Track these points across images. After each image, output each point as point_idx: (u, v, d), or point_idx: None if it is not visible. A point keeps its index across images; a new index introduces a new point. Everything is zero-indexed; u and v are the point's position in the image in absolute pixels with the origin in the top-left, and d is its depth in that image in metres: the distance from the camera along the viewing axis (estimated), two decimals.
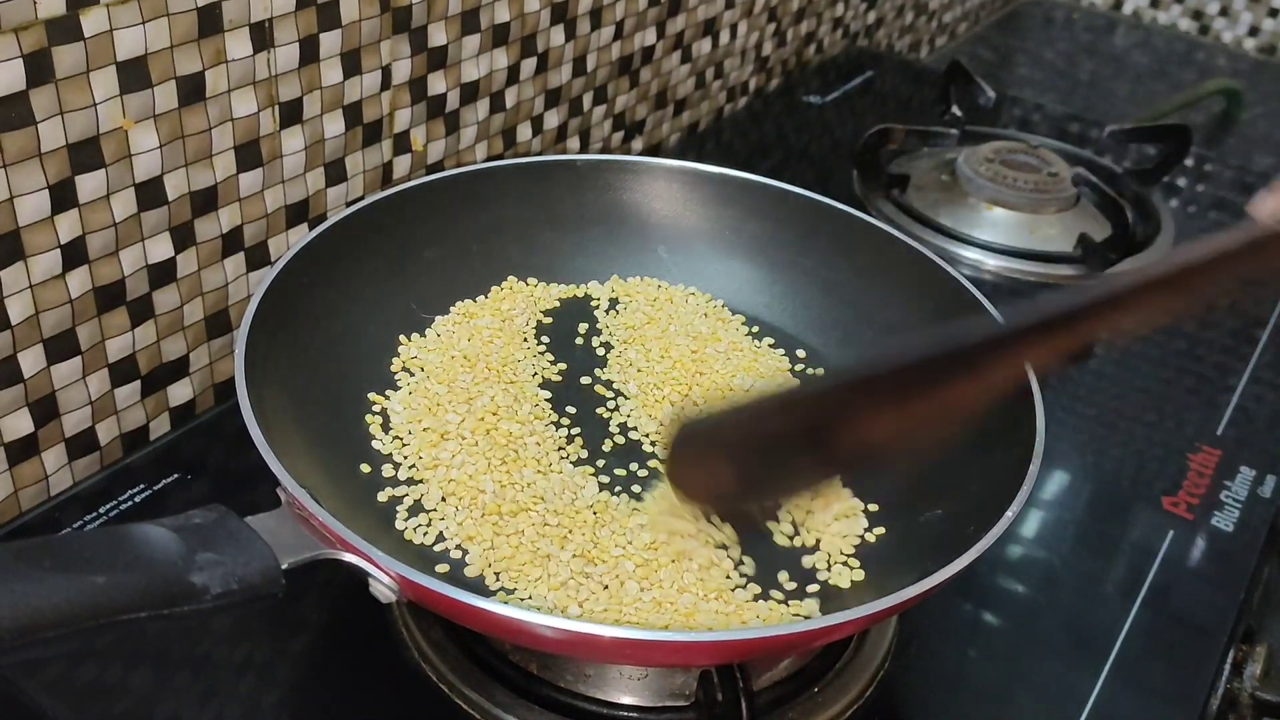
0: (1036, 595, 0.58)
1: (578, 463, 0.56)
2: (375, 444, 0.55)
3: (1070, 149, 0.94)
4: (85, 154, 0.54)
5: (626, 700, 0.50)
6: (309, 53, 0.62)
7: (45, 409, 0.58)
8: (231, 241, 0.63)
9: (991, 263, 0.82)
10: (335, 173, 0.67)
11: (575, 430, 0.57)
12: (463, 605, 0.41)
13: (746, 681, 0.44)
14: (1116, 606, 0.57)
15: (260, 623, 0.53)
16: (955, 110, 0.96)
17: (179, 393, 0.65)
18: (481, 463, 0.54)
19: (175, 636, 0.52)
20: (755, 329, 0.65)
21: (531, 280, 0.66)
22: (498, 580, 0.49)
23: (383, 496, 0.53)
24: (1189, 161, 0.99)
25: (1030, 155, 0.88)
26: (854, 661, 0.52)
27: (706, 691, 0.47)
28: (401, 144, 0.71)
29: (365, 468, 0.54)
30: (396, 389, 0.58)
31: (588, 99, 0.85)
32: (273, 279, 0.54)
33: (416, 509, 0.52)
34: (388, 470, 0.54)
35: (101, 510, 0.57)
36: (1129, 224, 0.80)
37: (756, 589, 0.50)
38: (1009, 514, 0.46)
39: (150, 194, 0.58)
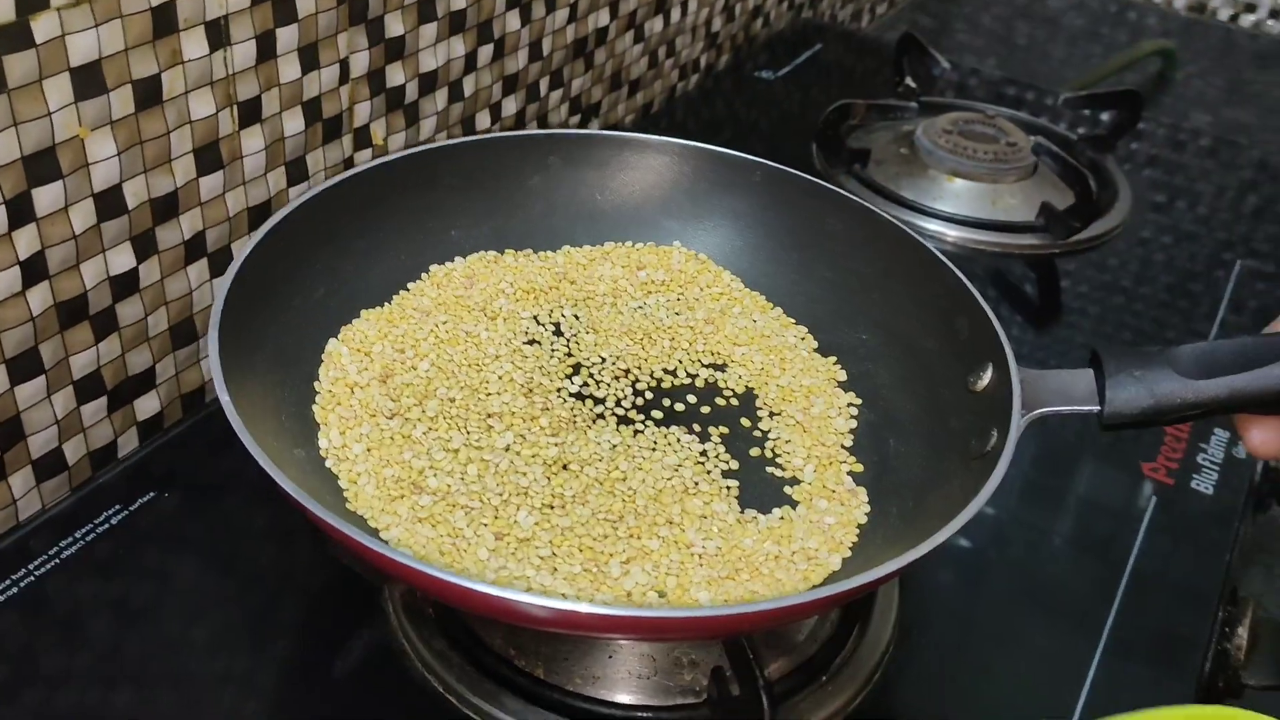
0: (1030, 570, 0.59)
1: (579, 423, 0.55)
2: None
3: (1026, 117, 0.94)
4: (42, 165, 0.52)
5: (636, 700, 0.49)
6: (266, 49, 0.60)
7: (10, 431, 0.55)
8: (194, 248, 0.61)
9: (954, 234, 0.83)
10: (296, 171, 0.65)
11: (564, 398, 0.56)
12: (459, 588, 0.39)
13: (764, 675, 0.44)
14: (1108, 575, 0.58)
15: (245, 634, 0.52)
16: (909, 82, 0.96)
17: (146, 406, 0.63)
18: (459, 440, 0.52)
19: (155, 652, 0.50)
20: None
21: (495, 253, 0.63)
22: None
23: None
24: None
25: (988, 125, 0.88)
26: (858, 651, 0.52)
27: (720, 688, 0.47)
28: (362, 138, 0.69)
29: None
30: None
31: (544, 84, 0.83)
32: (247, 256, 0.51)
33: None
34: None
35: (77, 535, 0.55)
36: (1091, 191, 0.81)
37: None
38: (999, 469, 0.45)
39: (110, 203, 0.56)
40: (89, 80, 0.52)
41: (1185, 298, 0.80)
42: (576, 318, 0.61)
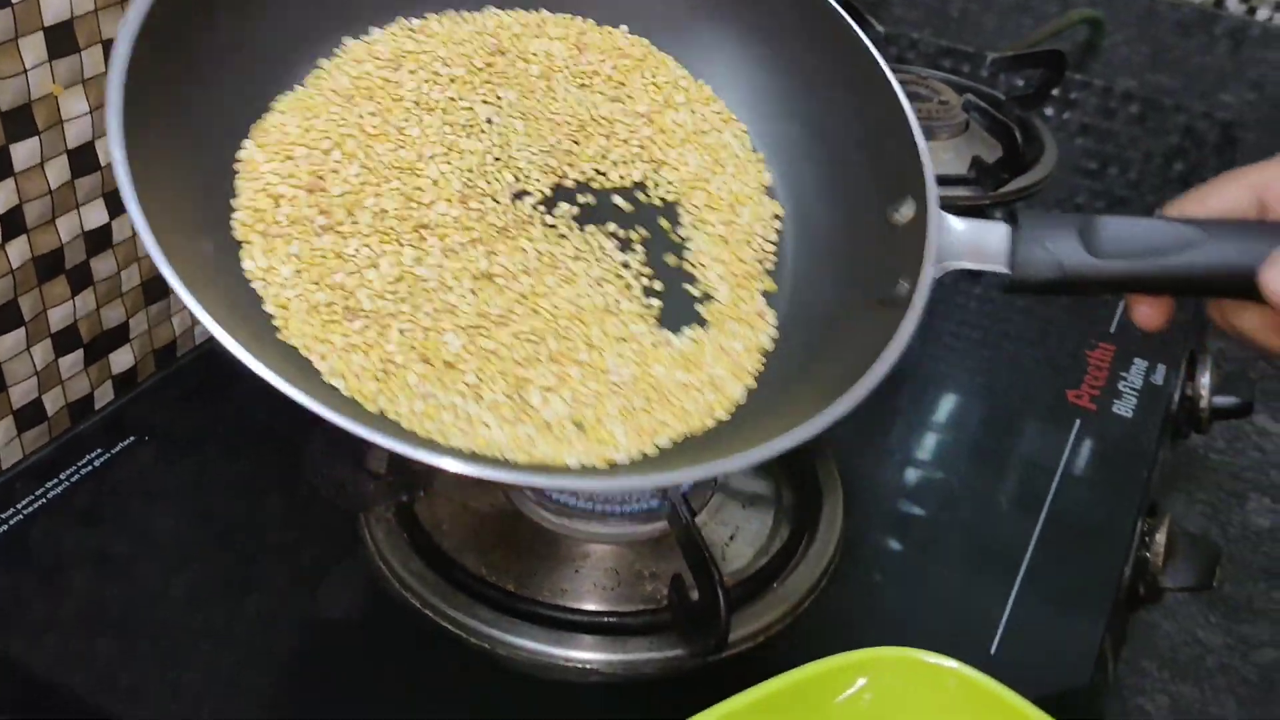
0: (960, 489, 0.63)
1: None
2: None
3: (956, 79, 0.99)
4: (18, 122, 0.54)
5: (602, 608, 0.53)
6: None
7: None
8: None
9: None
10: None
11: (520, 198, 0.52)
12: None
13: (723, 580, 0.47)
14: (1036, 494, 0.62)
15: (231, 572, 0.55)
16: None
17: (120, 360, 0.65)
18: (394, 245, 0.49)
19: (137, 604, 0.53)
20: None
21: (418, 20, 0.56)
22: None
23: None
24: (1056, 90, 1.05)
25: (920, 85, 0.93)
26: (807, 557, 0.56)
27: (680, 594, 0.51)
28: None
29: None
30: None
31: None
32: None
33: None
34: None
35: (62, 477, 0.57)
36: (1018, 145, 0.85)
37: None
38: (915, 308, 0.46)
39: (83, 160, 0.58)
40: (62, 39, 0.54)
41: None
42: (510, 104, 0.55)
